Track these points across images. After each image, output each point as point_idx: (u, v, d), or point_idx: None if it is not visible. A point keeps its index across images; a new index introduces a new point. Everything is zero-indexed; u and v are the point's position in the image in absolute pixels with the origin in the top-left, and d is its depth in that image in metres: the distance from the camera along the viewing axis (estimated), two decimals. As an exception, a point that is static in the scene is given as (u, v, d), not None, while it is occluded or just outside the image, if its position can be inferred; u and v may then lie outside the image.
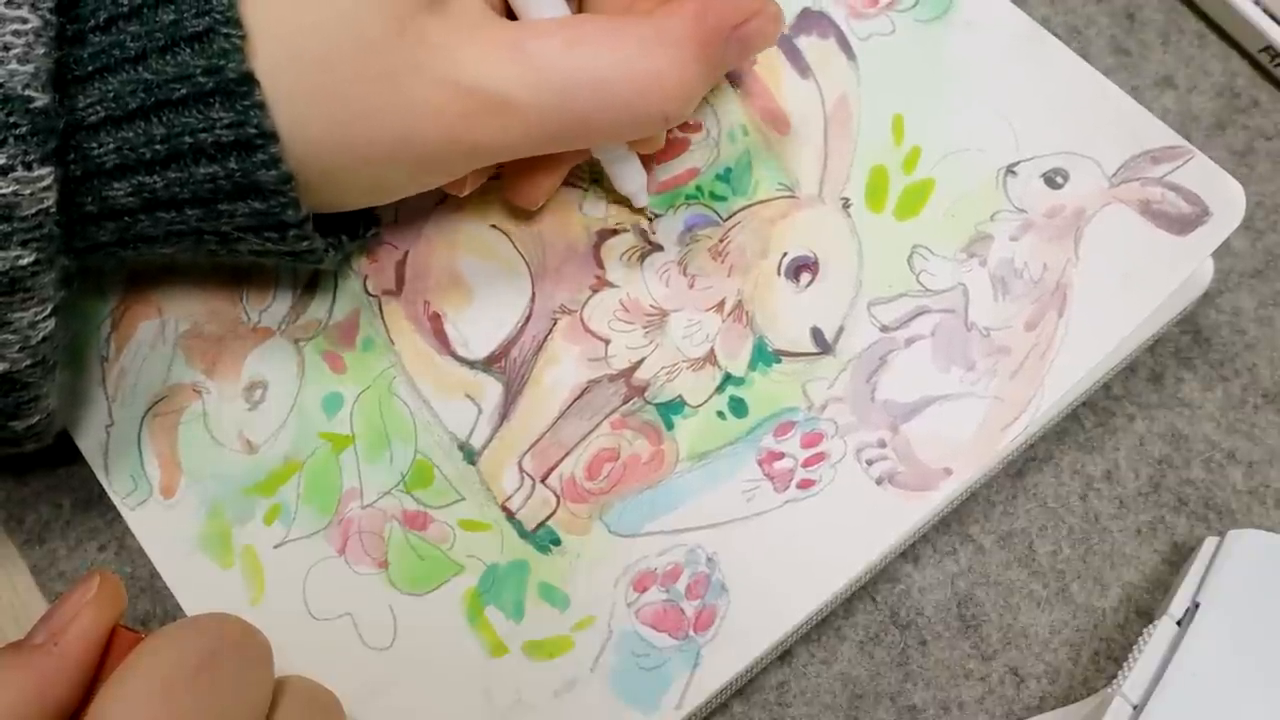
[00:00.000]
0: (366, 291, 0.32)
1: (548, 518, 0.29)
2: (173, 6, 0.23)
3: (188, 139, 0.24)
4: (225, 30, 0.23)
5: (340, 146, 0.25)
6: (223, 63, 0.23)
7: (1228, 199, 0.30)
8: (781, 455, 0.29)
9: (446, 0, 0.25)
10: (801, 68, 0.33)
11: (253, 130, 0.24)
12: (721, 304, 0.31)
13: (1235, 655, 0.27)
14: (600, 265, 0.32)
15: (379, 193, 0.28)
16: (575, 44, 0.25)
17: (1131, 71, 0.37)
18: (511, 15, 0.27)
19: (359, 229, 0.30)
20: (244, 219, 0.26)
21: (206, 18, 0.23)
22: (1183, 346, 0.34)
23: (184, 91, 0.23)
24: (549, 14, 0.27)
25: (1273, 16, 0.37)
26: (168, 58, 0.23)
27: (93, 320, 0.32)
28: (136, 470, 0.30)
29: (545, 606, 0.29)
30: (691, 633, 0.28)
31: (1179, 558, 0.32)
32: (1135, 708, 0.27)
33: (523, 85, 0.25)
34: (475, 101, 0.25)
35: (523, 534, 0.29)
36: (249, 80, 0.23)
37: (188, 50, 0.23)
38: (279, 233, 0.26)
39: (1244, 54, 0.38)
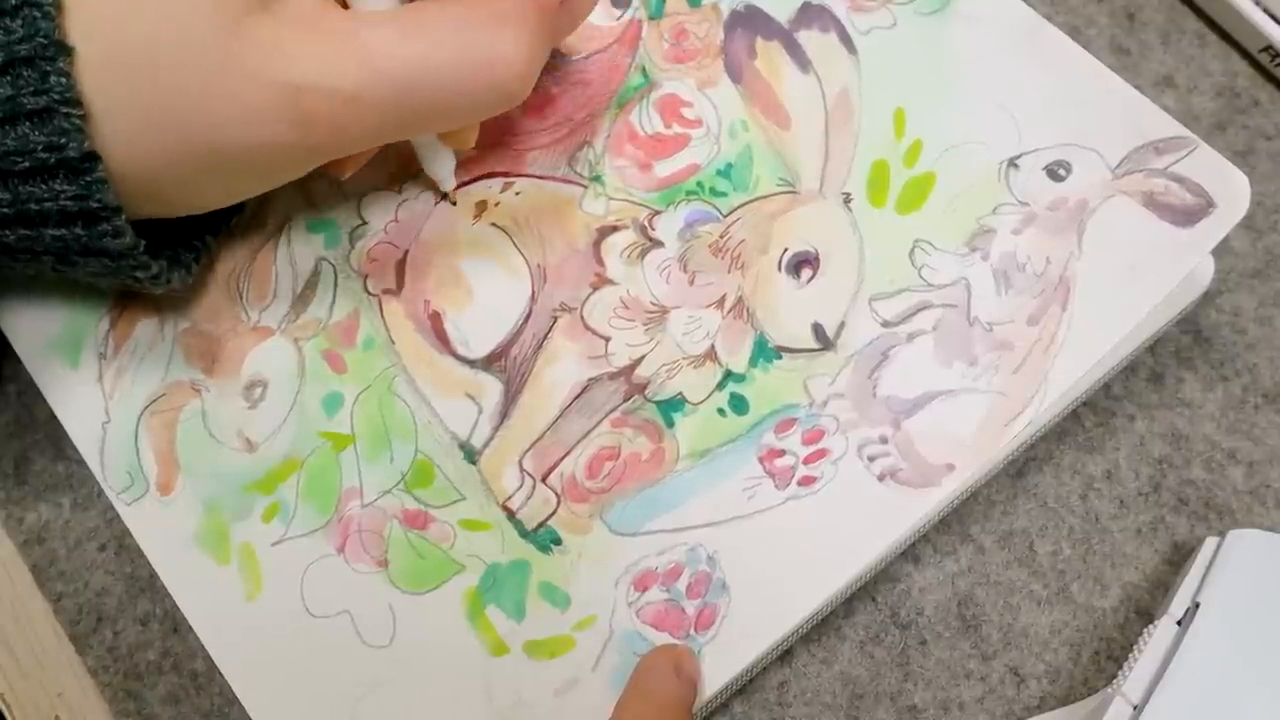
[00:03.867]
0: (367, 291, 0.32)
1: (548, 517, 0.29)
2: (8, 80, 0.23)
3: (34, 205, 0.24)
4: (65, 110, 0.23)
5: (179, 156, 0.25)
6: (64, 140, 0.23)
7: (1232, 190, 0.30)
8: (783, 452, 0.29)
9: None
10: (802, 62, 0.33)
11: (96, 204, 0.24)
12: (722, 300, 0.31)
13: (1235, 655, 0.27)
14: (600, 262, 0.31)
15: (229, 195, 0.28)
16: (412, 32, 0.25)
17: (1131, 71, 0.37)
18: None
19: (201, 239, 0.30)
20: (97, 268, 0.26)
21: (44, 96, 0.23)
22: (1183, 346, 0.34)
23: (26, 164, 0.23)
24: (382, 6, 0.26)
25: (1273, 16, 0.37)
26: (8, 129, 0.23)
27: (91, 317, 0.32)
28: (133, 466, 0.30)
29: (546, 606, 0.29)
30: (693, 632, 0.28)
31: (1179, 558, 0.32)
32: (1135, 708, 0.27)
33: (361, 81, 0.24)
34: (310, 99, 0.24)
35: (523, 533, 0.29)
36: (91, 158, 0.23)
37: (27, 124, 0.23)
38: (133, 278, 0.27)
39: (1244, 54, 0.38)
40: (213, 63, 0.24)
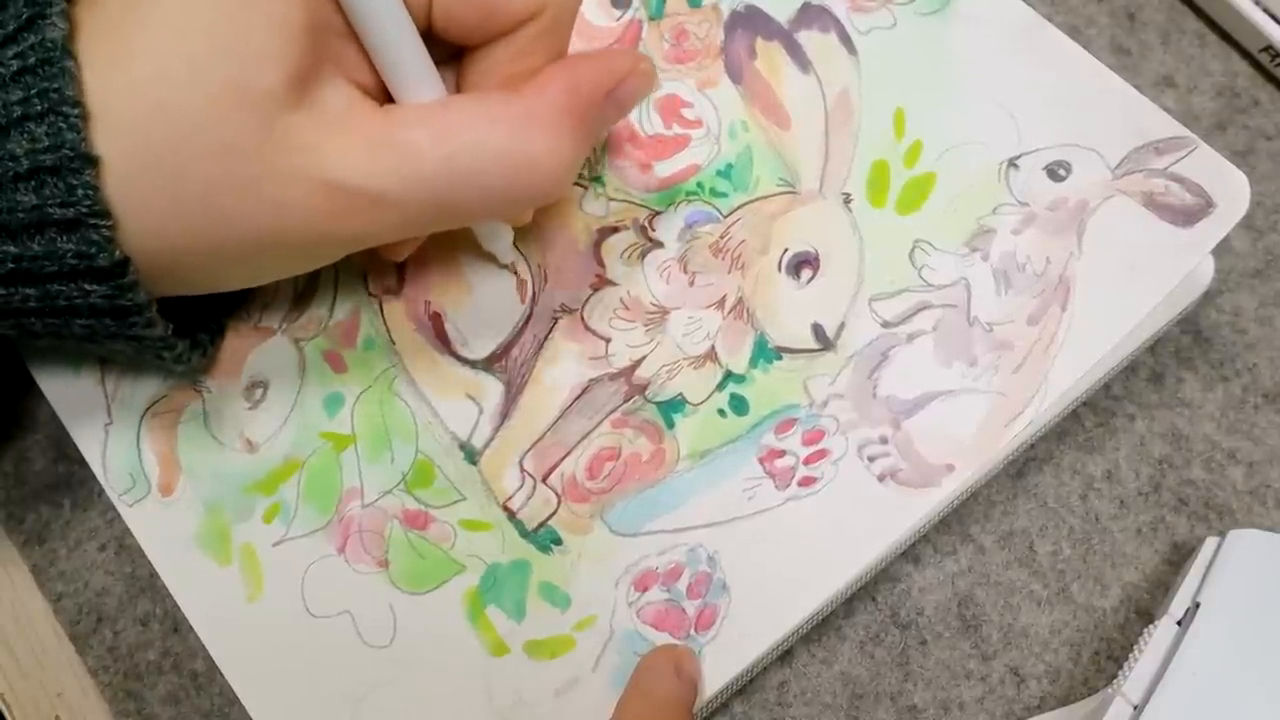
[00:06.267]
0: (367, 291, 0.32)
1: (549, 517, 0.29)
2: (33, 188, 0.23)
3: (62, 301, 0.24)
4: (93, 221, 0.23)
5: (209, 247, 0.25)
6: (93, 250, 0.23)
7: (1232, 190, 0.30)
8: (783, 453, 0.29)
9: (311, 91, 0.24)
10: (802, 63, 0.33)
11: (127, 302, 0.24)
12: (722, 301, 0.31)
13: (1235, 655, 0.27)
14: (601, 263, 0.31)
15: (254, 279, 0.28)
16: (445, 134, 0.24)
17: (1132, 71, 0.37)
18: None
19: (217, 319, 0.31)
20: (123, 347, 0.26)
21: (71, 208, 0.23)
22: (1183, 346, 0.34)
23: (55, 268, 0.23)
24: (425, 97, 0.26)
25: (1273, 16, 0.37)
26: (35, 235, 0.23)
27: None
28: (135, 468, 0.30)
29: (546, 606, 0.29)
30: (693, 632, 0.28)
31: (1179, 558, 0.32)
32: (1135, 708, 0.27)
33: (391, 181, 0.24)
34: (344, 199, 0.24)
35: (524, 534, 0.29)
36: (122, 264, 0.23)
37: (54, 230, 0.23)
38: (158, 357, 0.27)
39: (1244, 54, 0.38)
40: (244, 163, 0.23)
